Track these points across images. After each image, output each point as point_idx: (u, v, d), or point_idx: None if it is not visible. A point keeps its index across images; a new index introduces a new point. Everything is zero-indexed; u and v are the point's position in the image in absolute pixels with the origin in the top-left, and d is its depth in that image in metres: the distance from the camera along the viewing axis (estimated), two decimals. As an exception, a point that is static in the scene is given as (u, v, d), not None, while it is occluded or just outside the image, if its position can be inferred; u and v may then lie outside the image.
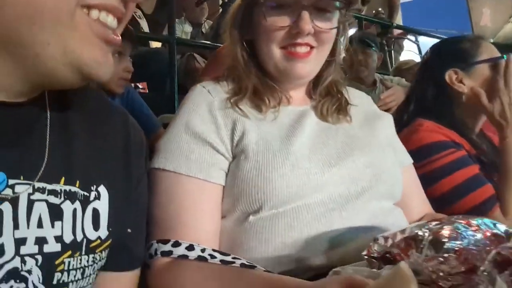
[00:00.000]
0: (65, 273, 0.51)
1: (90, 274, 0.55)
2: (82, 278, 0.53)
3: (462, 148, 1.18)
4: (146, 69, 2.57)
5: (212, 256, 0.70)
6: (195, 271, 0.69)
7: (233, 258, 0.70)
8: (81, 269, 0.53)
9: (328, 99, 0.90)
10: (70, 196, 0.52)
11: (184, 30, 3.30)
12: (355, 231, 0.74)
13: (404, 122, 1.29)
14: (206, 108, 0.82)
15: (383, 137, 0.90)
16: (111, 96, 1.78)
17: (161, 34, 3.01)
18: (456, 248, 0.47)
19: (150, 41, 3.16)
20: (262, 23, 0.82)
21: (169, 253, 0.70)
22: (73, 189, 0.53)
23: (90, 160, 0.56)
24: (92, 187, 0.55)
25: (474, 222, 0.52)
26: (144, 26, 3.11)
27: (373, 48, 2.78)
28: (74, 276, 0.52)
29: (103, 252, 0.57)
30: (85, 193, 0.54)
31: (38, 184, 0.49)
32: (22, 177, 0.48)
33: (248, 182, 0.75)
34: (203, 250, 0.70)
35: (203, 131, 0.79)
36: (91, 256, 0.54)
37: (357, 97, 0.97)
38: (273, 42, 0.82)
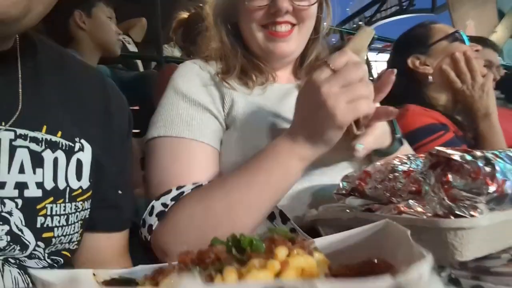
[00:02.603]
0: (49, 218, 0.54)
1: (74, 222, 0.58)
2: (67, 224, 0.57)
3: (449, 129, 1.23)
4: (137, 93, 2.65)
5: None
6: (191, 198, 0.69)
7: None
8: (65, 216, 0.57)
9: None
10: (51, 145, 0.55)
11: (173, 54, 3.43)
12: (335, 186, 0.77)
13: None
14: (199, 81, 0.85)
15: None
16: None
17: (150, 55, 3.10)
18: (405, 169, 0.54)
19: (139, 65, 3.27)
20: (242, 4, 0.84)
21: (164, 205, 0.70)
22: (54, 138, 0.56)
23: (67, 116, 0.59)
24: (76, 138, 0.59)
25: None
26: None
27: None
28: (59, 222, 0.56)
29: (85, 202, 0.60)
30: (70, 143, 0.58)
31: (20, 131, 0.53)
32: (3, 123, 0.52)
33: (236, 151, 0.78)
34: (194, 183, 0.72)
35: (202, 99, 0.81)
36: (73, 204, 0.58)
37: None
38: (253, 22, 0.84)
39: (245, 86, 0.87)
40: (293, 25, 0.85)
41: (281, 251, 0.29)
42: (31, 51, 0.59)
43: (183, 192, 0.70)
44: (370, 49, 4.83)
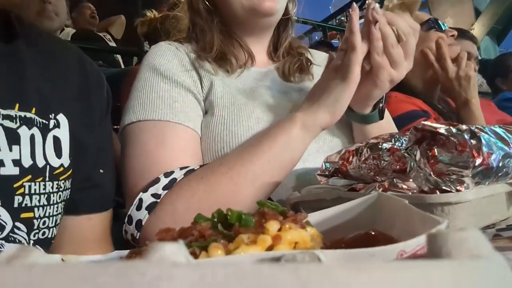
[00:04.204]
0: (27, 197, 0.51)
1: (57, 202, 0.56)
2: (49, 204, 0.54)
3: (431, 116, 1.24)
4: (118, 90, 2.60)
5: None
6: (190, 180, 0.64)
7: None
8: (46, 195, 0.54)
9: (289, 59, 0.92)
10: (26, 122, 0.53)
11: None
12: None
13: None
14: (177, 61, 0.81)
15: None
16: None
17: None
18: (389, 147, 0.52)
19: (121, 63, 3.22)
20: None
21: (156, 196, 0.64)
22: (29, 115, 0.53)
23: (45, 89, 0.57)
24: (50, 115, 0.56)
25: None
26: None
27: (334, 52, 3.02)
28: (39, 201, 0.53)
29: (67, 181, 0.57)
30: (44, 121, 0.55)
31: None
32: None
33: (214, 137, 0.74)
34: (185, 167, 0.67)
35: (183, 80, 0.77)
36: (55, 183, 0.55)
37: (321, 57, 1.01)
38: None
39: (223, 69, 0.84)
40: None
41: (273, 226, 0.28)
42: (7, 27, 0.57)
43: (175, 179, 0.65)
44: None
